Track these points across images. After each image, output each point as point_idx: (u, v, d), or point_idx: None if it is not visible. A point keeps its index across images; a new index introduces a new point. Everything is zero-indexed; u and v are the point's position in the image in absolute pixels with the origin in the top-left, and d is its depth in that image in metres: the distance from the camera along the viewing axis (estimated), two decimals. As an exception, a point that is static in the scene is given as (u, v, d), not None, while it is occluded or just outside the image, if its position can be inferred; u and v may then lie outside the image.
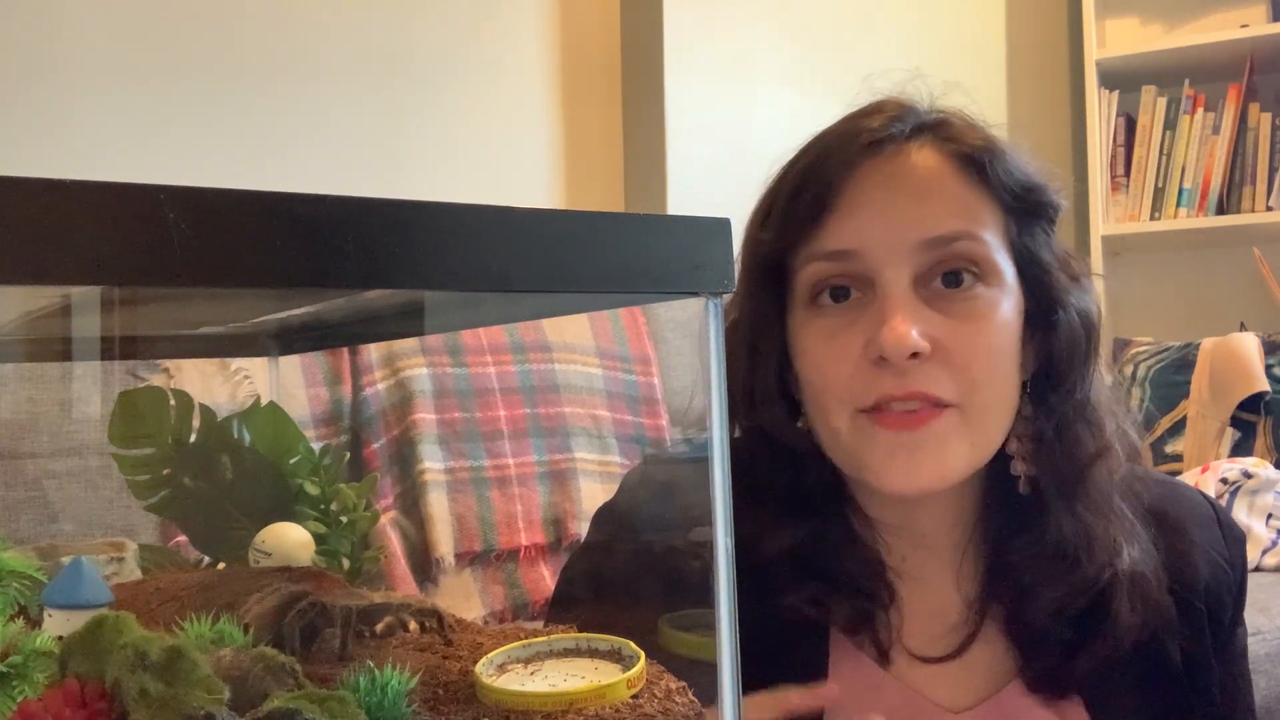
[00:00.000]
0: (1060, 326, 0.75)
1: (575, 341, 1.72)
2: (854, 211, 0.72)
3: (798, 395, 0.77)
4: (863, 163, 0.73)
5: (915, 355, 0.69)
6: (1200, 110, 2.63)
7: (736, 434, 0.80)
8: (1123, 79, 2.68)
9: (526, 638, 0.60)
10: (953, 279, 0.72)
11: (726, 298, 0.49)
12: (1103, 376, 0.79)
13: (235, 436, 0.85)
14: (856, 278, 0.73)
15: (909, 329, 0.69)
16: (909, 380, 0.70)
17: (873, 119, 0.75)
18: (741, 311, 0.79)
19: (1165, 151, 2.65)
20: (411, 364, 1.55)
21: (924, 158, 0.74)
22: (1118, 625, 0.74)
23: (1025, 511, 0.77)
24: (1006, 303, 0.73)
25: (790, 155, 0.78)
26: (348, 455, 1.48)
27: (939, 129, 0.75)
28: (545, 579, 1.54)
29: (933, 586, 0.80)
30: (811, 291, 0.74)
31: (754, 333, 0.77)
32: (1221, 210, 2.58)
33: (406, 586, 1.42)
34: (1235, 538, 0.84)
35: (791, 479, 0.78)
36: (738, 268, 0.80)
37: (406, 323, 0.81)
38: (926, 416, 0.70)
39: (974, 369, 0.71)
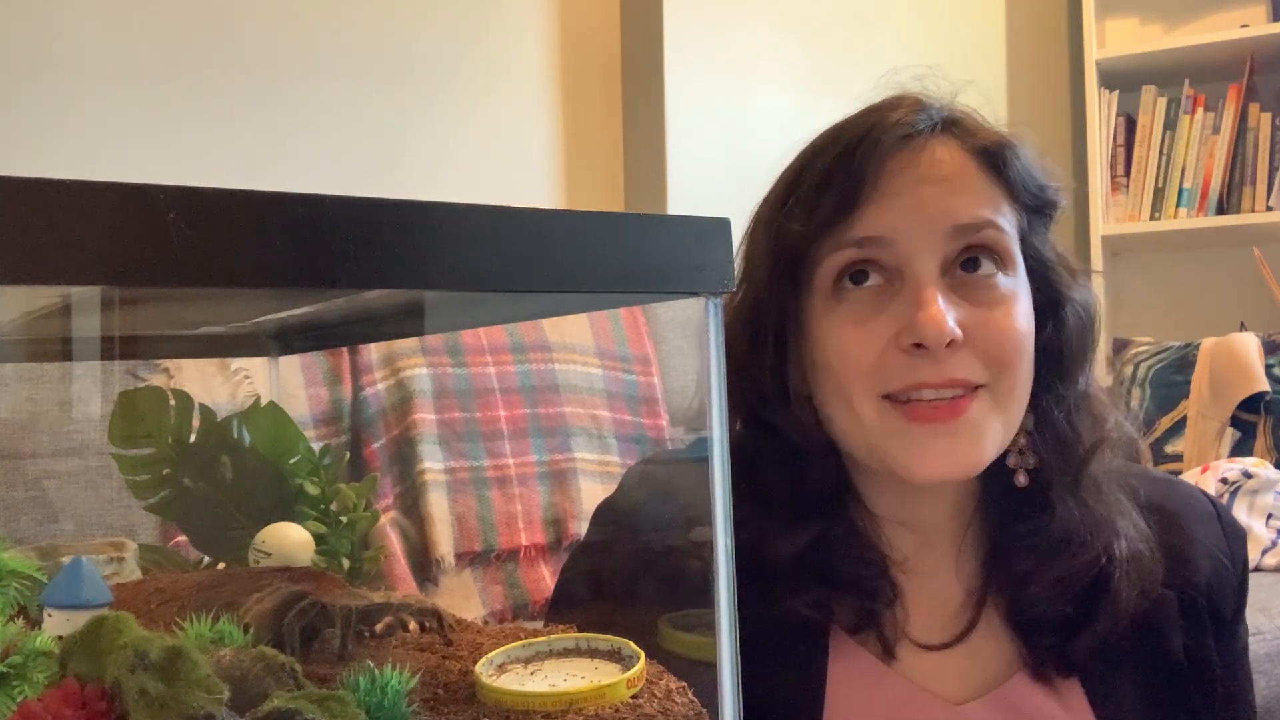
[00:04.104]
0: (1069, 320, 0.78)
1: (575, 341, 1.72)
2: (883, 200, 0.73)
3: (805, 385, 0.77)
4: (891, 155, 0.74)
5: (950, 343, 0.70)
6: (1200, 110, 2.62)
7: (738, 426, 0.80)
8: (1123, 79, 2.68)
9: (526, 638, 0.61)
10: (972, 264, 0.74)
11: (726, 297, 0.49)
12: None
13: (235, 436, 0.85)
14: (881, 265, 0.74)
15: (946, 316, 0.70)
16: (945, 368, 0.71)
17: (895, 113, 0.76)
18: (760, 302, 0.78)
19: (1165, 151, 2.65)
20: (411, 364, 1.55)
21: (946, 151, 0.75)
22: (1116, 601, 0.76)
23: (1026, 501, 0.78)
24: (1024, 291, 0.75)
25: (808, 144, 0.78)
26: (348, 455, 1.48)
27: (957, 124, 0.77)
28: (545, 579, 1.54)
29: (933, 577, 0.80)
30: (834, 277, 0.75)
31: (780, 326, 0.77)
32: (1221, 210, 2.58)
33: (406, 586, 1.42)
34: (1236, 534, 0.84)
35: (796, 476, 0.78)
36: (743, 258, 0.81)
37: (406, 323, 0.81)
38: (961, 405, 0.71)
39: (1004, 352, 0.72)
